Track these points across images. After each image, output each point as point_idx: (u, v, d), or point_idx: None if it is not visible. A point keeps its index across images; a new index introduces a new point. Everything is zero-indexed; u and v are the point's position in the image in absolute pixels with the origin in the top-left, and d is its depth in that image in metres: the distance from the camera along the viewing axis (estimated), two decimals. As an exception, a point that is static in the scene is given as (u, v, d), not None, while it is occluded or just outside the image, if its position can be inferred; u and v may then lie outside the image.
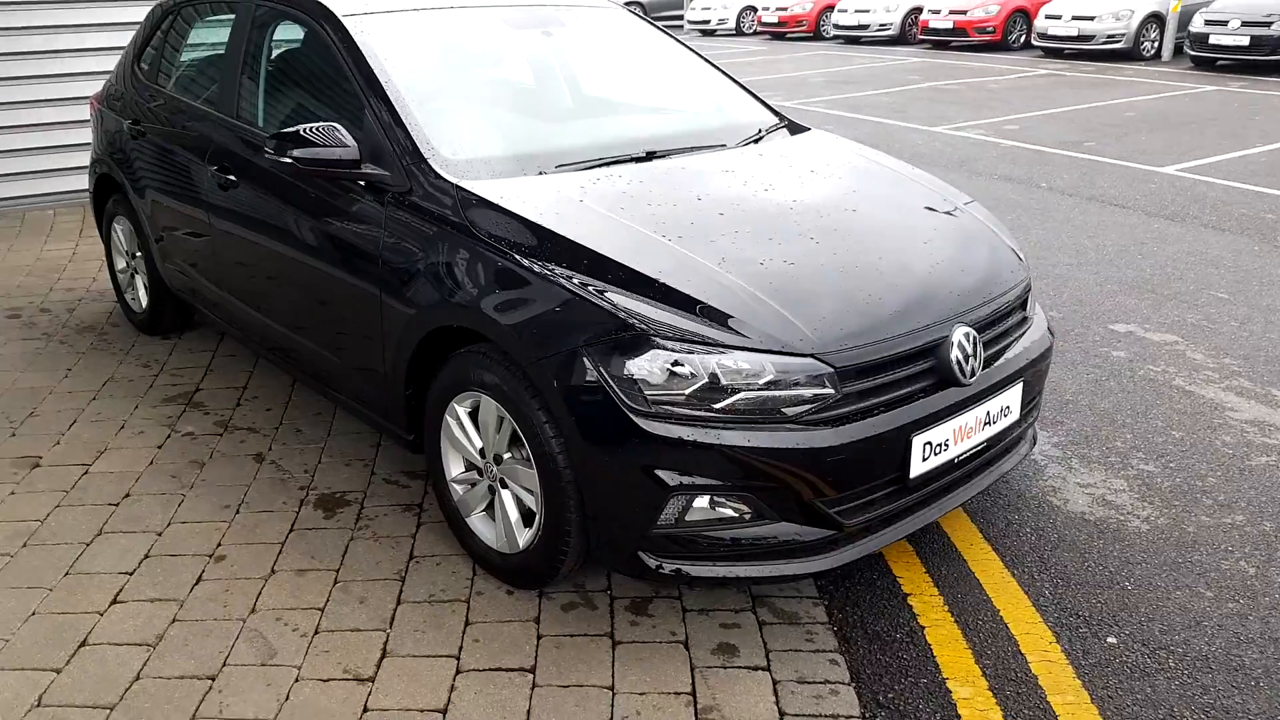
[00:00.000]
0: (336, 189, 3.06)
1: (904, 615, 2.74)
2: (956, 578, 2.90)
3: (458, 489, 2.87)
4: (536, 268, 2.53)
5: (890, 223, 2.96)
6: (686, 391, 2.33)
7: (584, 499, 2.47)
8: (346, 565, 2.92)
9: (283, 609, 2.73)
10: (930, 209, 3.12)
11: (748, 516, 2.41)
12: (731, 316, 2.39)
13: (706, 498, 2.38)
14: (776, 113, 3.78)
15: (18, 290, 5.43)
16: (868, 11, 20.17)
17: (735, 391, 2.33)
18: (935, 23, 18.55)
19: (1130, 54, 15.80)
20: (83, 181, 5.09)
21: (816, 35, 21.71)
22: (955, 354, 2.55)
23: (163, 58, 4.40)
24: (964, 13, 18.11)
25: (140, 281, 4.63)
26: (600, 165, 3.02)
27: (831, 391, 2.38)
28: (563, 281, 2.48)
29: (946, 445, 2.58)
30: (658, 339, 2.35)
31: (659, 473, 2.33)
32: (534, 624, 2.65)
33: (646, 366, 2.34)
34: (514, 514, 2.70)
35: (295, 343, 3.48)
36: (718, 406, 2.33)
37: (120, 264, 4.81)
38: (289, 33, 3.64)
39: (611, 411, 2.34)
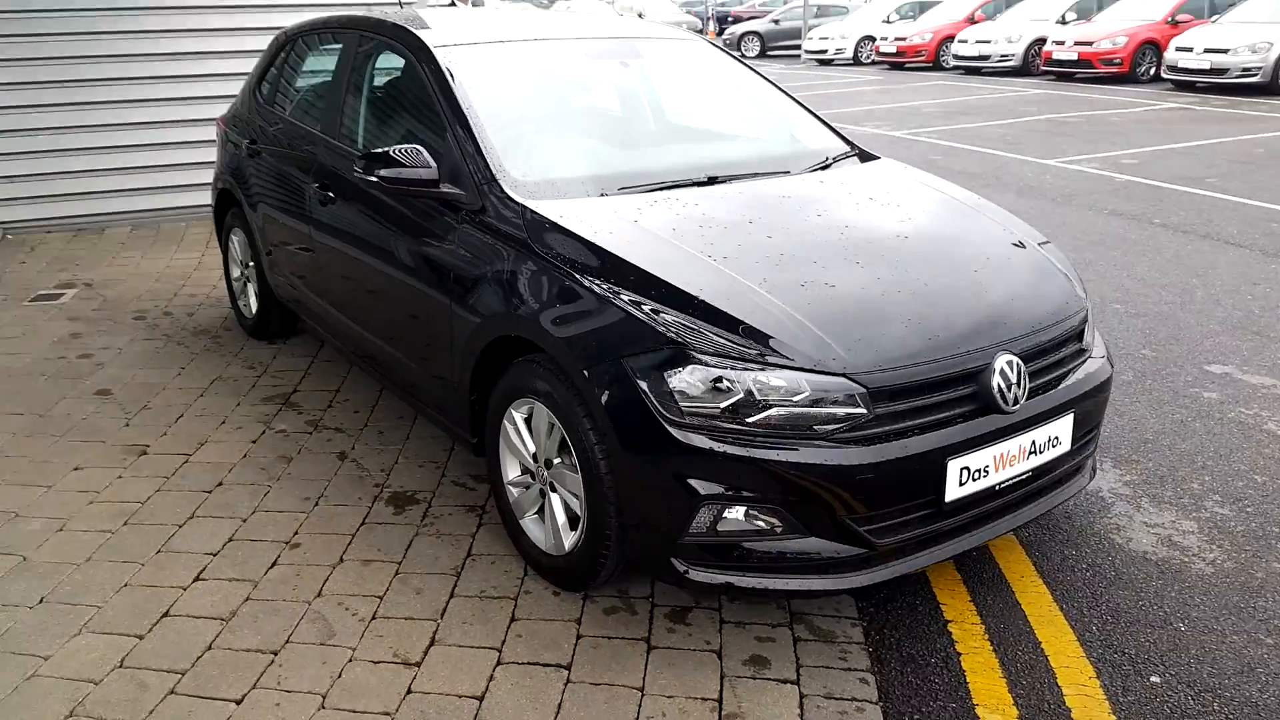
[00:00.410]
0: (418, 206, 3.27)
1: (942, 641, 2.74)
2: (1002, 608, 2.89)
3: (513, 491, 3.02)
4: (588, 283, 2.67)
5: (942, 250, 2.99)
6: (722, 405, 2.42)
7: (621, 504, 2.58)
8: (409, 559, 3.10)
9: (346, 595, 2.92)
10: (988, 239, 3.13)
11: (779, 530, 2.47)
12: (770, 336, 2.47)
13: (739, 509, 2.45)
14: (849, 141, 3.83)
15: (146, 294, 5.90)
16: (989, 42, 19.79)
17: (768, 407, 2.41)
18: (1059, 54, 18.06)
19: (1268, 88, 15.06)
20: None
21: (936, 66, 21.43)
22: (997, 381, 2.56)
23: (281, 81, 4.75)
24: (1089, 44, 17.60)
25: (251, 290, 4.98)
26: (661, 189, 3.15)
27: (864, 411, 2.43)
28: (611, 297, 2.61)
29: (986, 471, 2.58)
30: (697, 354, 2.45)
31: (691, 482, 2.42)
32: (575, 624, 2.77)
33: (686, 380, 2.44)
34: (561, 517, 2.82)
35: (382, 351, 3.71)
36: (750, 421, 2.41)
37: (235, 273, 5.18)
38: (388, 62, 3.90)
39: (649, 421, 2.45)
